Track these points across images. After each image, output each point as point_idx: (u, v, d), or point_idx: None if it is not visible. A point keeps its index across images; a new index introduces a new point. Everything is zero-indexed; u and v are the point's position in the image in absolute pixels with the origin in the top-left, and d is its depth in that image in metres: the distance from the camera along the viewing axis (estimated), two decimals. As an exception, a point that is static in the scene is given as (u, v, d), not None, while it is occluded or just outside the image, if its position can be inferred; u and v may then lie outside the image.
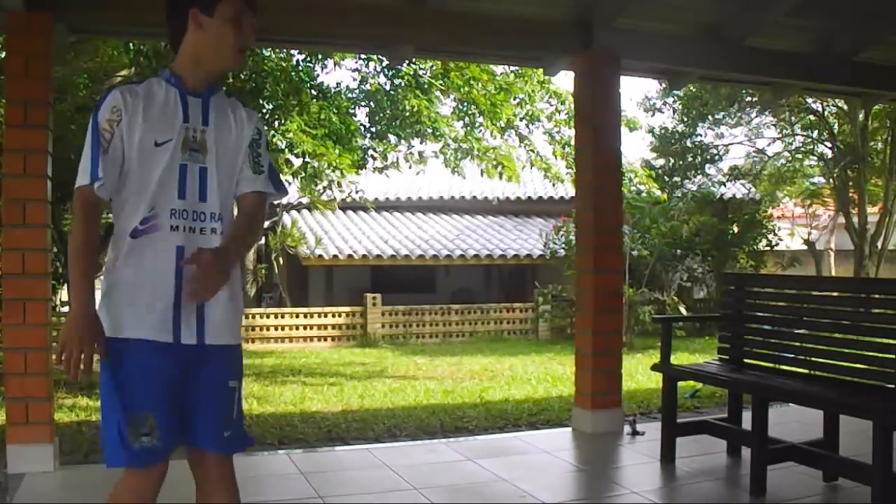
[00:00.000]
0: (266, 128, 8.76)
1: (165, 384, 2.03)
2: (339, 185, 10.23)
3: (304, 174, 9.49)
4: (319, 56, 9.00)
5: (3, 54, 5.43)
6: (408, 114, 9.32)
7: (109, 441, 2.03)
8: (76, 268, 2.03)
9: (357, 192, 11.43)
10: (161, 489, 2.11)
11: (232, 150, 2.16)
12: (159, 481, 2.10)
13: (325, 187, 10.37)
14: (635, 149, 22.58)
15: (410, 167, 10.88)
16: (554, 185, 10.86)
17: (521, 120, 9.72)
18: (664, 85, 15.74)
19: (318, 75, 9.26)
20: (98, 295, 2.05)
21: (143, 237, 2.03)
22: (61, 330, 1.97)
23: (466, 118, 9.80)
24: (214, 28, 2.09)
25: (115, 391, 2.01)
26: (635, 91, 53.73)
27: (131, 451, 2.00)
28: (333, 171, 9.33)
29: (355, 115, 9.87)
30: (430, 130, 9.55)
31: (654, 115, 17.03)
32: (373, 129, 10.04)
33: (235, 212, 2.24)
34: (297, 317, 13.81)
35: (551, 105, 9.73)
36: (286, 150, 8.95)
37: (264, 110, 8.58)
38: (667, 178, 15.37)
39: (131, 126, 2.02)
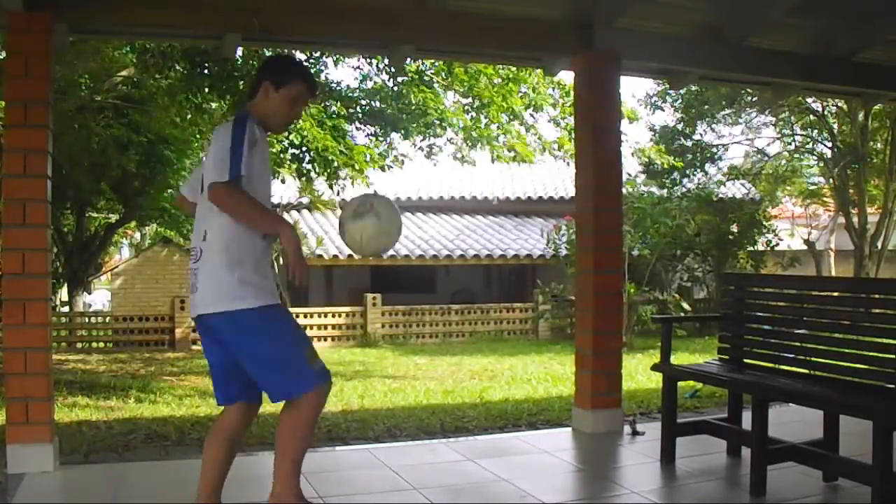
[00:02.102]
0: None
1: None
2: (355, 180, 10.14)
3: (321, 171, 9.41)
4: (320, 56, 9.00)
5: (3, 54, 5.43)
6: (414, 107, 9.30)
7: (301, 373, 2.68)
8: (268, 216, 2.72)
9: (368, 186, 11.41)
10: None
11: None
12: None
13: (342, 184, 10.22)
14: (637, 140, 22.53)
15: (403, 164, 10.87)
16: (568, 164, 10.60)
17: (526, 109, 9.70)
18: (664, 86, 15.78)
19: (319, 72, 9.26)
20: (234, 274, 2.68)
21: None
22: (287, 250, 2.65)
23: (472, 112, 9.77)
24: (277, 100, 2.78)
25: (286, 337, 2.73)
26: (637, 88, 53.62)
27: (315, 371, 2.71)
28: (351, 166, 9.29)
29: (356, 115, 9.86)
30: (437, 121, 9.52)
31: (654, 112, 17.03)
32: (373, 129, 10.04)
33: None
34: (297, 317, 13.78)
35: (555, 96, 9.71)
36: (297, 147, 8.92)
37: None
38: (666, 176, 15.36)
39: (257, 148, 2.66)
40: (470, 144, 10.14)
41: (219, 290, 2.66)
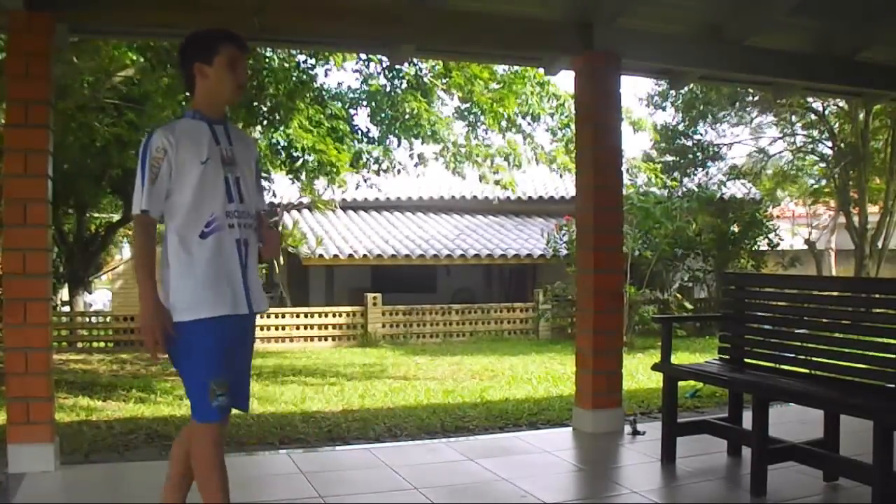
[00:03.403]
0: (265, 123, 8.75)
1: (236, 349, 2.65)
2: (337, 182, 10.24)
3: (304, 171, 9.49)
4: (320, 57, 9.00)
5: (4, 54, 5.43)
6: (407, 116, 9.33)
7: (199, 403, 2.57)
8: (144, 271, 2.60)
9: (370, 186, 11.42)
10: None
11: (249, 162, 2.77)
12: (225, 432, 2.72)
13: (326, 186, 10.37)
14: (638, 145, 22.60)
15: (400, 172, 10.92)
16: (562, 175, 10.79)
17: (523, 118, 9.72)
18: (664, 86, 15.79)
19: (317, 75, 9.27)
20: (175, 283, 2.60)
21: (210, 237, 2.60)
22: (139, 320, 2.58)
23: (470, 117, 9.79)
24: (215, 74, 2.67)
25: (196, 364, 2.56)
26: (639, 87, 53.59)
27: (212, 408, 2.56)
28: (330, 169, 9.36)
29: (353, 118, 9.87)
30: (429, 133, 9.56)
31: (655, 111, 17.04)
32: (371, 132, 10.06)
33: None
34: (298, 317, 13.81)
35: (552, 107, 9.73)
36: (285, 149, 8.96)
37: (263, 110, 8.57)
38: (667, 176, 15.36)
39: (178, 155, 2.57)
40: (460, 158, 10.24)
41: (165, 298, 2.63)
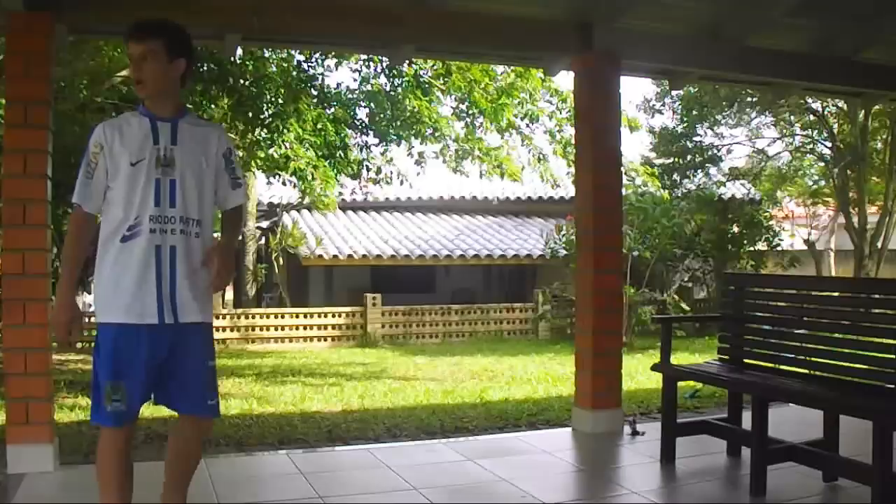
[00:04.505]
0: (266, 133, 8.75)
1: (142, 359, 2.56)
2: (329, 192, 10.33)
3: (302, 181, 9.55)
4: (321, 57, 9.00)
5: (4, 55, 5.44)
6: (408, 114, 9.33)
7: (95, 404, 2.58)
8: (66, 266, 2.65)
9: (367, 192, 11.47)
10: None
11: (196, 163, 2.65)
12: (130, 437, 2.69)
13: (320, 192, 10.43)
14: (635, 148, 22.60)
15: (403, 183, 10.97)
16: (554, 187, 10.86)
17: (521, 120, 9.72)
18: (663, 86, 15.78)
19: (318, 76, 9.27)
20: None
21: (129, 241, 2.55)
22: (51, 313, 2.68)
23: (468, 118, 9.80)
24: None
25: (99, 364, 2.56)
26: (634, 93, 53.58)
27: (106, 412, 2.54)
28: (321, 183, 9.46)
29: (354, 119, 9.87)
30: (430, 132, 9.56)
31: (653, 116, 17.05)
32: (371, 132, 10.05)
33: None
34: (297, 317, 13.80)
35: (552, 104, 9.73)
36: (283, 160, 9.01)
37: (262, 116, 8.58)
38: (667, 177, 15.37)
39: (112, 154, 2.55)
40: (461, 155, 10.21)
41: None
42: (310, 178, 9.16)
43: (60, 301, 2.61)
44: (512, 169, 10.20)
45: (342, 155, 9.43)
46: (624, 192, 12.20)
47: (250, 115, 8.33)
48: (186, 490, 2.79)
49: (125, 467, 2.62)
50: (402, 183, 11.07)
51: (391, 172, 10.76)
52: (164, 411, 6.47)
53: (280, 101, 8.44)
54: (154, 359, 2.58)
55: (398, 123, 9.60)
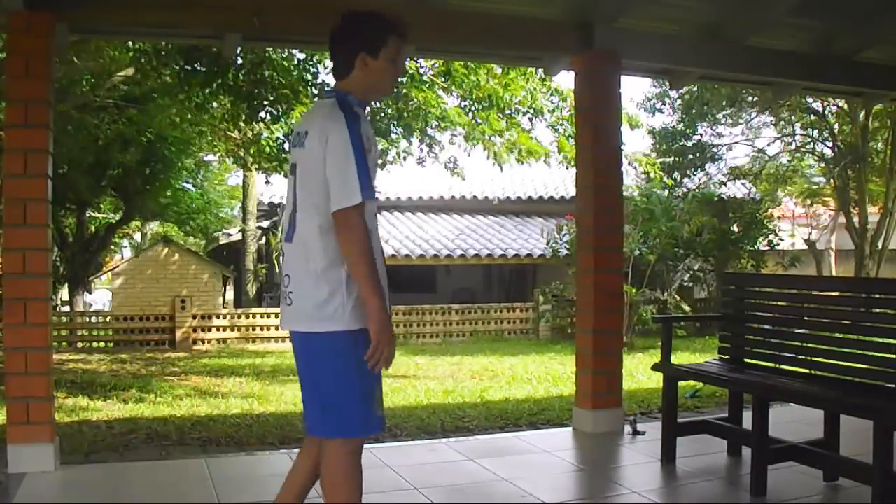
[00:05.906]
0: (269, 118, 8.69)
1: None
2: None
3: None
4: (321, 57, 8.99)
5: (4, 54, 5.44)
6: (415, 106, 9.28)
7: (361, 417, 2.39)
8: (373, 273, 2.31)
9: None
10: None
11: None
12: None
13: None
14: (636, 146, 22.60)
15: (401, 164, 10.87)
16: (567, 167, 10.46)
17: (523, 115, 9.68)
18: (664, 86, 15.77)
19: (317, 73, 9.25)
20: (325, 289, 2.38)
21: (373, 237, 2.38)
22: (375, 328, 2.29)
23: (471, 113, 9.75)
24: (378, 67, 2.48)
25: (362, 373, 2.36)
26: (635, 92, 53.54)
27: (377, 417, 2.42)
28: None
29: None
30: (437, 122, 9.51)
31: (654, 114, 17.03)
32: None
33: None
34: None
35: (553, 103, 9.71)
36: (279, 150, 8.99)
37: (265, 102, 8.55)
38: (666, 176, 15.35)
39: (369, 144, 2.40)
40: (472, 143, 10.08)
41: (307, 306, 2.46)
42: None
43: (385, 312, 2.32)
44: (532, 146, 9.82)
45: None
46: (629, 192, 12.24)
47: (254, 102, 8.30)
48: None
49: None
50: (405, 160, 10.86)
51: (398, 156, 10.64)
52: (163, 411, 6.48)
53: (280, 90, 8.42)
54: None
55: (405, 116, 9.52)
